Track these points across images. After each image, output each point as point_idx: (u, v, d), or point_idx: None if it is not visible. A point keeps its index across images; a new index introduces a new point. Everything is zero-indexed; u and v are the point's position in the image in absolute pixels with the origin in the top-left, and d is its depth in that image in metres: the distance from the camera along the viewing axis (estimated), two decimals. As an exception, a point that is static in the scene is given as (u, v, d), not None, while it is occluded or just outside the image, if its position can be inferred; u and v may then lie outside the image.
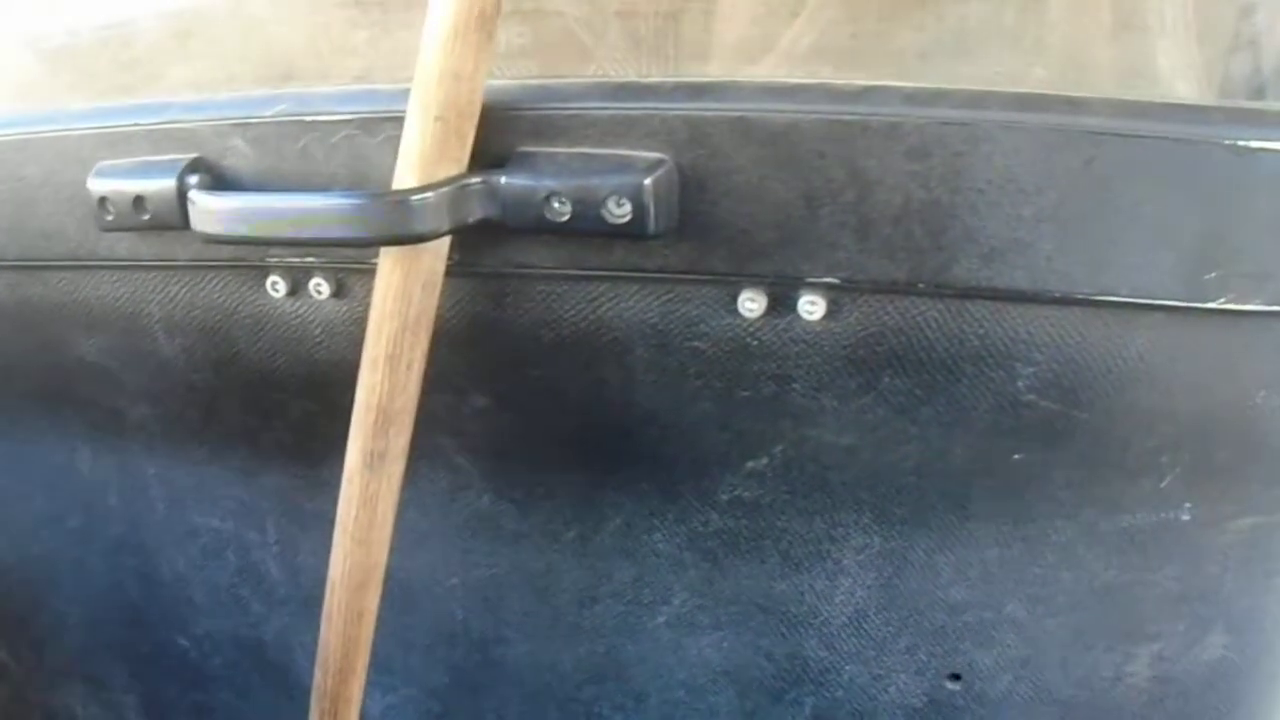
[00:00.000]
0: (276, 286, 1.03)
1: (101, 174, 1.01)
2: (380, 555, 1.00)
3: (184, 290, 1.07)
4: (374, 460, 0.95)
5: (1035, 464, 0.92)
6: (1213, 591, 0.96)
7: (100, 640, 1.42)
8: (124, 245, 1.04)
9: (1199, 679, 1.01)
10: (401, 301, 0.90)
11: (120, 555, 1.32)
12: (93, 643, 1.43)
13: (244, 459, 1.18)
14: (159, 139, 1.00)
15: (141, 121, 1.00)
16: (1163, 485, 0.91)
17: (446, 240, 0.90)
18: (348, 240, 0.89)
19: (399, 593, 1.13)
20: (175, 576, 1.31)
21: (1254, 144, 0.76)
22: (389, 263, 0.89)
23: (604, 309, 0.94)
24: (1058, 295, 0.83)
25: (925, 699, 1.07)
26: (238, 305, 1.06)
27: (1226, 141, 0.76)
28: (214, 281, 1.05)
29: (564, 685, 1.19)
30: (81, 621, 1.42)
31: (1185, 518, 0.92)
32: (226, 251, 1.01)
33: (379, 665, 1.11)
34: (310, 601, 1.09)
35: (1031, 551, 0.97)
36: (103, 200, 1.00)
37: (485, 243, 0.92)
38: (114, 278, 1.09)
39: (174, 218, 0.96)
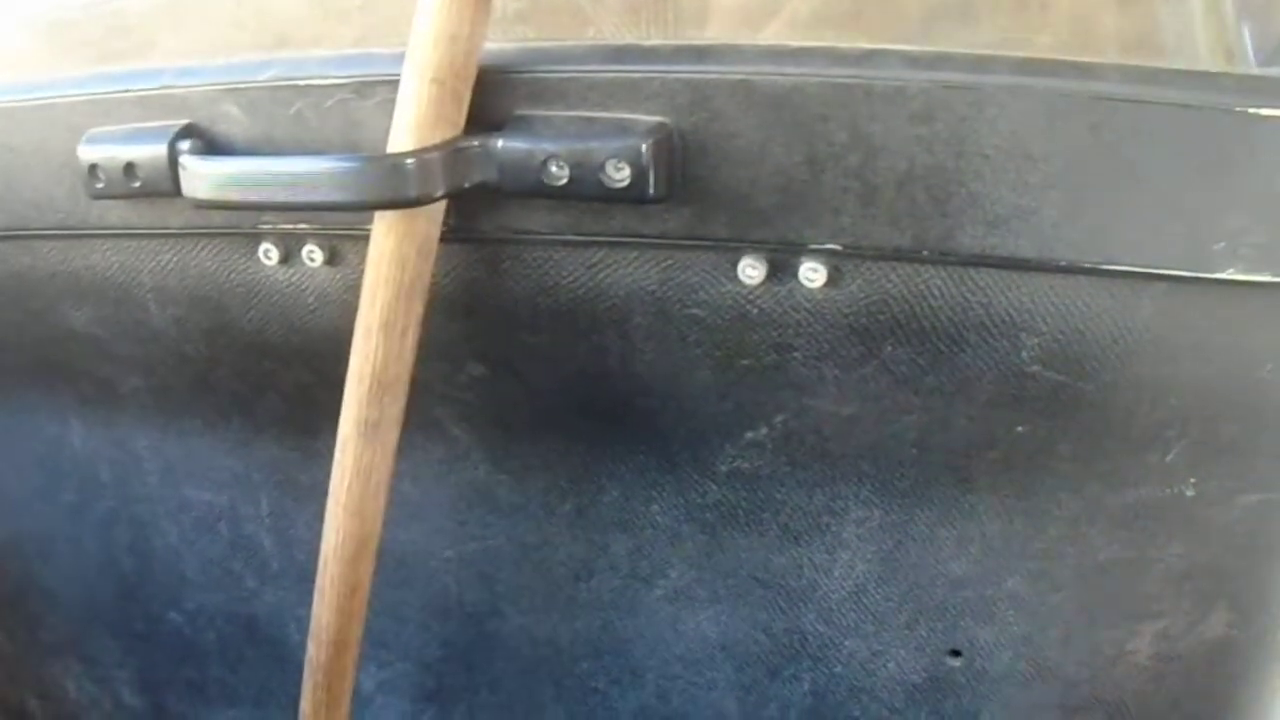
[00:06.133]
0: (269, 254, 1.01)
1: (92, 141, 0.99)
2: (374, 527, 0.99)
3: (176, 259, 1.06)
4: (368, 429, 0.94)
5: (1039, 436, 0.91)
6: (1217, 569, 0.95)
7: (93, 616, 1.42)
8: (115, 213, 1.03)
9: (1202, 657, 1.00)
10: (396, 267, 0.89)
11: (113, 530, 1.32)
12: (86, 619, 1.43)
13: (237, 431, 1.17)
14: (150, 105, 0.99)
15: (133, 88, 0.99)
16: (1167, 459, 0.90)
17: (442, 205, 0.89)
18: (341, 204, 0.87)
19: (393, 566, 1.12)
20: (168, 550, 1.30)
21: (1264, 111, 0.75)
22: (383, 228, 0.88)
23: (602, 275, 0.93)
24: (1063, 264, 0.81)
25: (925, 675, 1.06)
26: (230, 273, 1.05)
27: (1236, 109, 0.75)
28: (206, 250, 1.04)
29: (560, 659, 1.18)
30: (74, 597, 1.42)
31: (1190, 493, 0.91)
32: (218, 219, 1.00)
33: (373, 639, 1.10)
34: (304, 575, 1.08)
35: (1034, 526, 0.96)
36: (93, 168, 0.99)
37: (482, 208, 0.91)
38: (105, 247, 1.08)
39: (165, 184, 0.95)
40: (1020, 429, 0.91)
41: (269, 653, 1.33)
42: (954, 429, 0.93)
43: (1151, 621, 0.99)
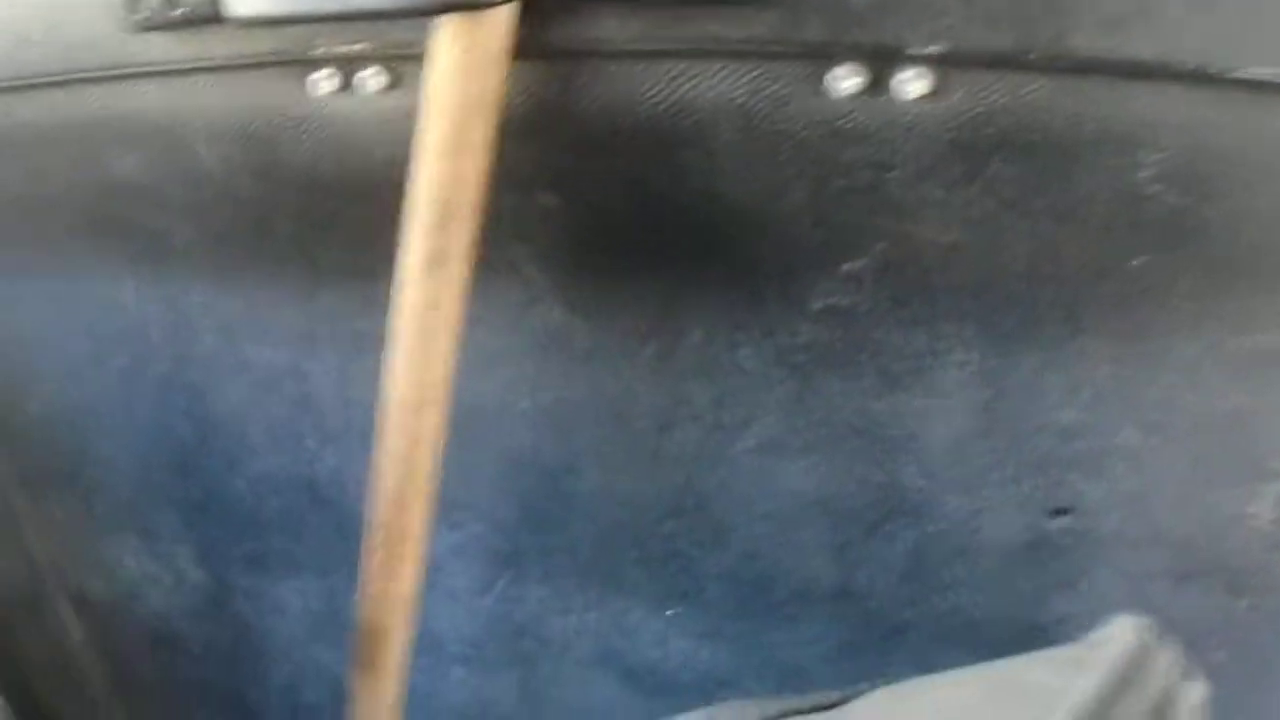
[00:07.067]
0: (324, 82, 0.97)
1: None
2: (442, 371, 0.95)
3: (224, 94, 1.02)
4: (434, 261, 0.89)
5: (1156, 269, 0.85)
6: None
7: (150, 488, 1.40)
8: (158, 47, 0.99)
9: None
10: (460, 81, 0.83)
11: (169, 395, 1.29)
12: (143, 491, 1.41)
13: (297, 279, 1.13)
14: None
15: None
16: None
17: (506, 13, 0.83)
18: (399, 8, 0.83)
19: (465, 420, 1.08)
20: (228, 415, 1.27)
21: None
22: (445, 37, 0.83)
23: (684, 89, 0.87)
24: (1187, 70, 0.74)
25: (1029, 535, 1.01)
26: (283, 106, 1.00)
27: None
28: (254, 81, 1.00)
29: (640, 519, 1.14)
30: (131, 469, 1.40)
31: None
32: (267, 45, 0.96)
33: (443, 500, 1.07)
34: (370, 434, 1.05)
35: (1148, 372, 0.90)
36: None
37: (550, 18, 0.86)
38: (150, 86, 1.04)
39: (207, 7, 0.92)
40: (1136, 261, 0.84)
41: (332, 519, 1.30)
42: (1065, 259, 0.86)
43: (1273, 482, 0.92)
